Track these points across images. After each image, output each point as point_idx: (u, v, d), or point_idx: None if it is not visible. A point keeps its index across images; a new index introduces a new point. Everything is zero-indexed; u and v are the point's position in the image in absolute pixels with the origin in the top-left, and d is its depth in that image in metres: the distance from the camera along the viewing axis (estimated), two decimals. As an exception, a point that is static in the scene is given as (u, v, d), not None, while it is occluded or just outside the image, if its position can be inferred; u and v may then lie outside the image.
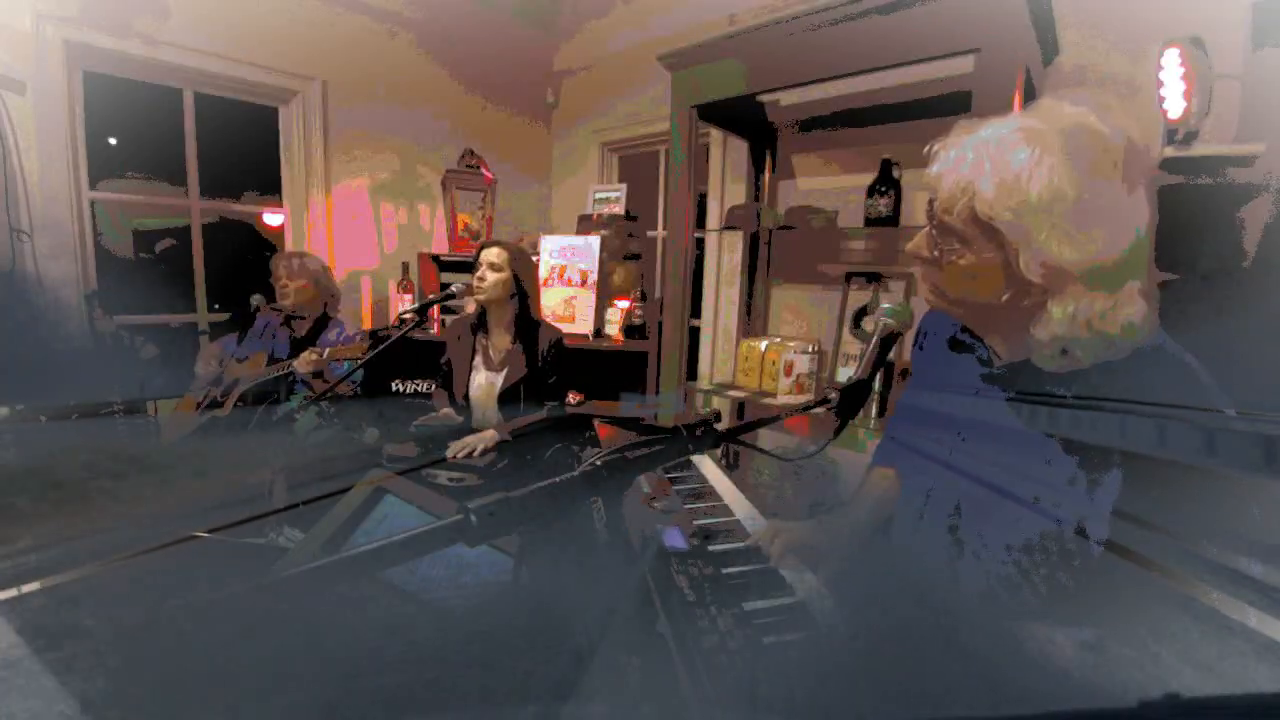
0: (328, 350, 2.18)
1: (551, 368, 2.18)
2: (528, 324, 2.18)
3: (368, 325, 3.18)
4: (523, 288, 2.15)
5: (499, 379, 2.16)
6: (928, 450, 0.99)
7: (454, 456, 2.00)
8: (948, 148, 0.80)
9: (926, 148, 0.84)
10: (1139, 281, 0.74)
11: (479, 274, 2.10)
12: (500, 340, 2.20)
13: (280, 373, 2.25)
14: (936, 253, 0.81)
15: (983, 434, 0.91)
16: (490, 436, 2.05)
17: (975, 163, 0.75)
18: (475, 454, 2.01)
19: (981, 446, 0.91)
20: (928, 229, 0.83)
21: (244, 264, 3.02)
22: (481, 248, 2.15)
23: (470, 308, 2.34)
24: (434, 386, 2.33)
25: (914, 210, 2.10)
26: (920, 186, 2.09)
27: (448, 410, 2.16)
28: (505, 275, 2.11)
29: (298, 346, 2.34)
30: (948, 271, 0.81)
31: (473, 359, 2.21)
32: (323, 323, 2.47)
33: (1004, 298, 0.77)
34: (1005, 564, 0.83)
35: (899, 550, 1.04)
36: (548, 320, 2.33)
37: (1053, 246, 0.70)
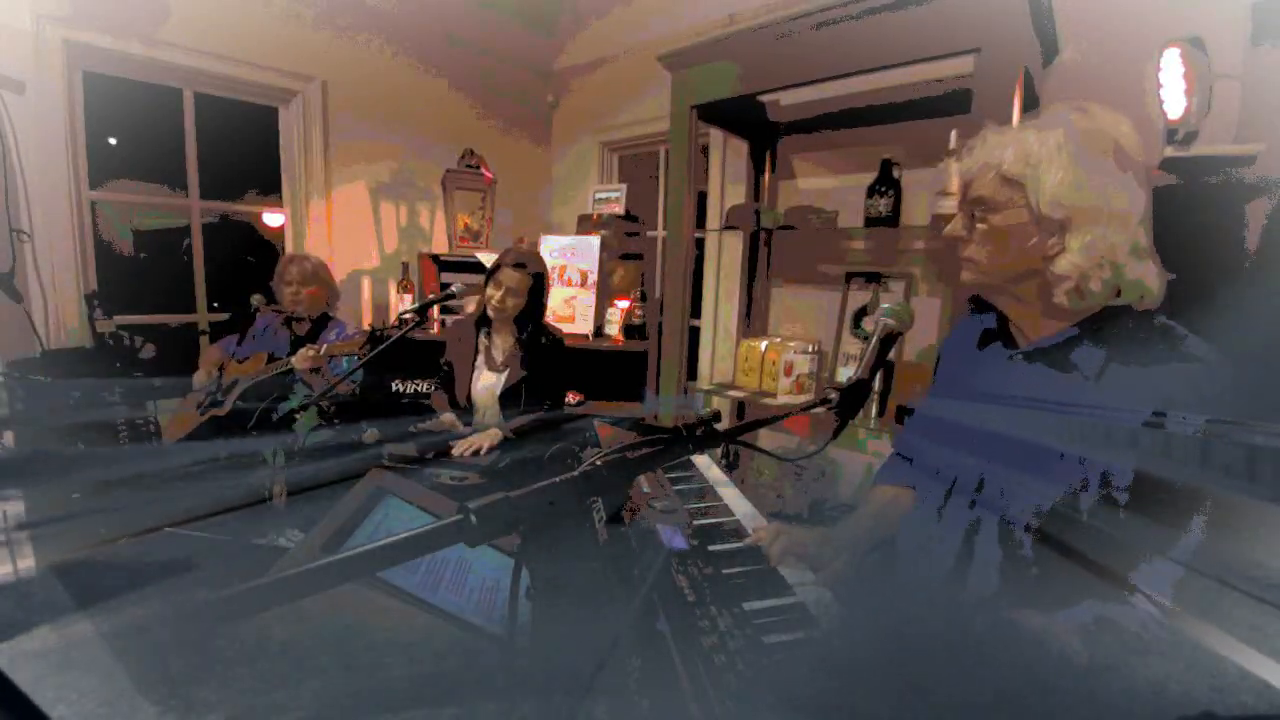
0: (325, 346, 2.17)
1: (553, 368, 2.18)
2: (533, 327, 2.18)
3: (368, 325, 3.18)
4: (535, 305, 2.15)
5: (501, 379, 2.17)
6: (944, 455, 1.04)
7: (460, 455, 2.01)
8: (975, 143, 0.97)
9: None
10: (1144, 239, 0.88)
11: (498, 297, 2.08)
12: (504, 341, 2.20)
13: (279, 371, 2.24)
14: (971, 224, 0.95)
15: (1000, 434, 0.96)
16: (494, 435, 2.06)
17: (998, 144, 0.93)
18: (481, 453, 2.02)
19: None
20: (961, 214, 0.98)
21: (244, 264, 3.02)
22: (499, 265, 2.11)
23: (470, 308, 2.34)
24: (433, 388, 2.33)
25: (914, 210, 2.10)
26: (920, 187, 2.10)
27: (449, 416, 2.16)
28: (524, 299, 2.11)
29: (298, 346, 2.33)
30: (984, 238, 0.94)
31: (475, 359, 2.21)
32: (323, 322, 2.47)
33: (1032, 242, 0.90)
34: (1027, 541, 0.87)
35: (909, 554, 1.05)
36: (549, 322, 2.33)
37: (1064, 191, 0.86)
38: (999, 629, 0.83)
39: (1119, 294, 0.89)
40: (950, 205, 1.09)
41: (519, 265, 2.09)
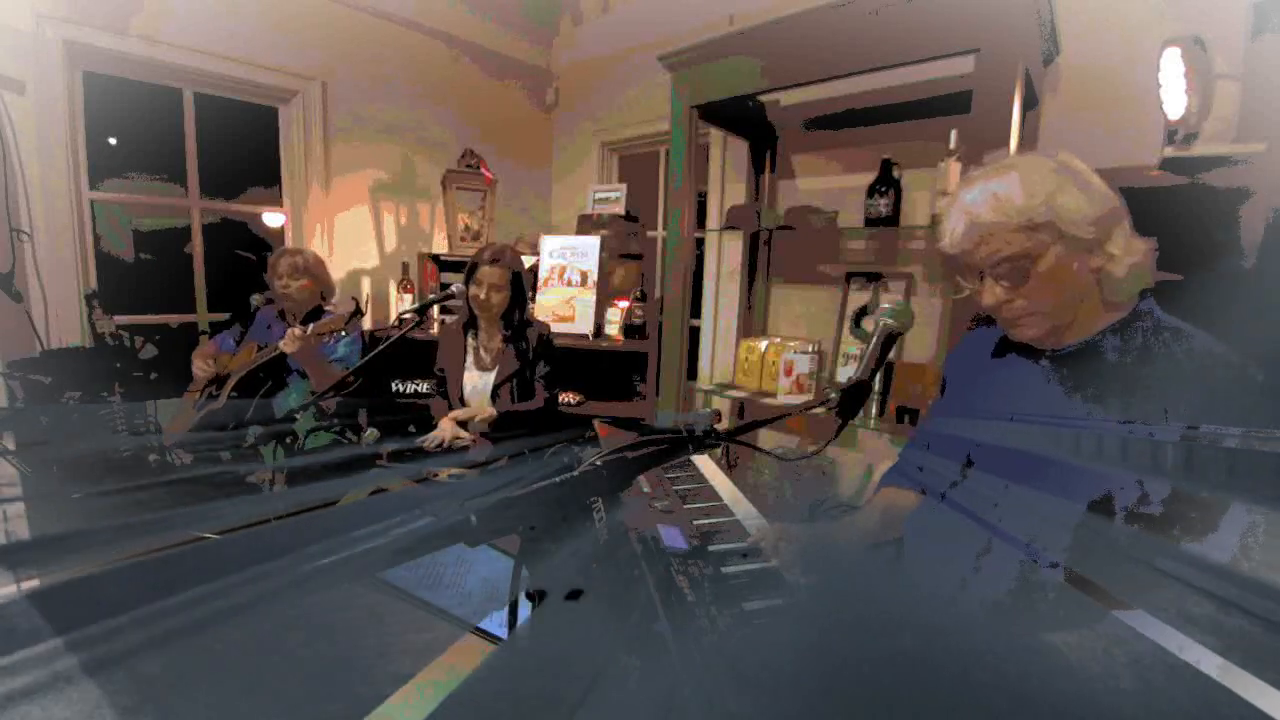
0: (312, 327, 2.15)
1: (540, 361, 2.19)
2: (519, 323, 2.19)
3: (368, 326, 3.18)
4: (519, 297, 2.17)
5: (491, 378, 2.18)
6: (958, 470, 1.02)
7: (455, 439, 2.03)
8: (951, 224, 0.95)
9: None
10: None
11: (483, 295, 2.10)
12: (491, 340, 2.21)
13: (268, 357, 2.23)
14: (1009, 285, 0.92)
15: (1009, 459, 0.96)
16: (488, 414, 2.08)
17: (981, 205, 0.91)
18: (474, 421, 2.04)
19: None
20: (987, 286, 0.94)
21: (243, 264, 3.02)
22: (475, 264, 2.13)
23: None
24: (432, 395, 2.32)
25: (914, 210, 2.10)
26: (920, 187, 2.10)
27: (449, 422, 2.16)
28: (508, 291, 2.13)
29: None
30: (1038, 289, 0.91)
31: (464, 360, 2.22)
32: (316, 315, 2.46)
33: (1077, 265, 0.89)
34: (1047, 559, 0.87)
35: (917, 560, 1.05)
36: (537, 318, 2.34)
37: (1085, 207, 0.87)
38: (1000, 644, 0.83)
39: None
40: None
41: (495, 261, 2.11)
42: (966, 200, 0.93)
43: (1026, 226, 0.88)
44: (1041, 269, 0.90)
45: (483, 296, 2.10)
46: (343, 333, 2.14)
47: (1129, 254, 0.89)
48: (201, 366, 2.37)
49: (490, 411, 2.09)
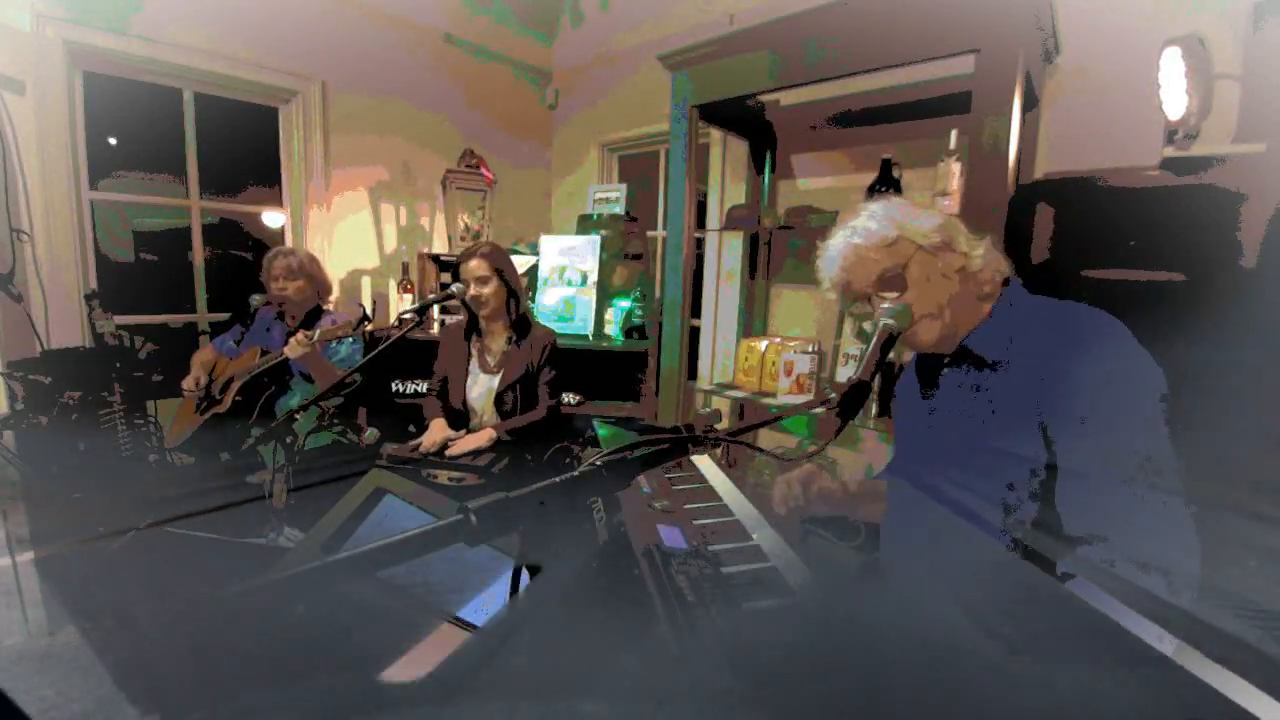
0: (318, 332, 2.15)
1: (547, 367, 2.18)
2: (521, 324, 2.18)
3: (368, 326, 3.18)
4: (511, 287, 2.15)
5: (495, 381, 2.16)
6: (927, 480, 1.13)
7: (455, 455, 2.01)
8: (827, 271, 1.12)
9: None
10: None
11: (472, 292, 2.10)
12: (496, 343, 2.20)
13: (273, 362, 2.22)
14: (894, 297, 1.06)
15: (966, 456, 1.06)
16: (489, 435, 2.06)
17: (844, 244, 1.08)
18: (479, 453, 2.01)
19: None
20: (876, 305, 1.07)
21: (244, 264, 3.02)
22: (457, 266, 2.12)
23: (464, 314, 2.33)
24: (428, 394, 2.30)
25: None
26: (920, 187, 2.10)
27: (440, 422, 2.14)
28: (496, 282, 2.12)
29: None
30: (918, 293, 1.05)
31: (468, 364, 2.21)
32: (316, 314, 2.45)
33: (940, 266, 1.05)
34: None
35: (894, 560, 1.07)
36: (538, 321, 2.33)
37: (919, 218, 1.06)
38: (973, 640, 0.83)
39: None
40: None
41: (470, 255, 2.11)
42: (831, 250, 1.11)
43: (884, 245, 1.05)
44: (914, 274, 1.04)
45: (473, 293, 2.10)
46: (351, 338, 2.14)
47: (975, 248, 1.05)
48: (189, 385, 2.35)
49: (489, 433, 2.07)
